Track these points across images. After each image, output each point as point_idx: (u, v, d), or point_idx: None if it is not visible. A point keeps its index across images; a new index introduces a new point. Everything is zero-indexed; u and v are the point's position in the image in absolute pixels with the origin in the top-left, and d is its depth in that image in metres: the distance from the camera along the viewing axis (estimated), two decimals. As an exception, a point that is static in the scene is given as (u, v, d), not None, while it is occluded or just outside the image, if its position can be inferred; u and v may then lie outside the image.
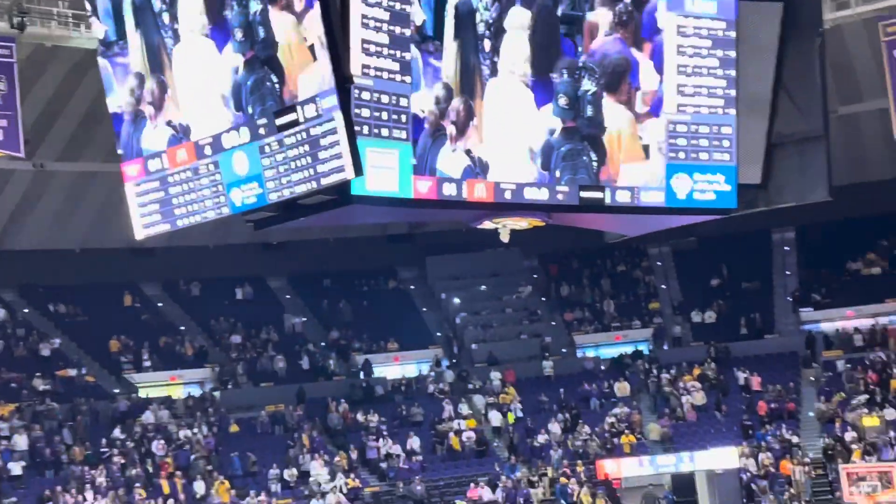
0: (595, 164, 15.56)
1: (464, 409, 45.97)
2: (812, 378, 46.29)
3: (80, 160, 43.70)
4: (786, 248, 54.26)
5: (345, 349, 50.64)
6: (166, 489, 36.58)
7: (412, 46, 13.67)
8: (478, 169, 14.53)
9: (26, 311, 47.96)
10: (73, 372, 44.66)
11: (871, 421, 39.68)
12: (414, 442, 42.77)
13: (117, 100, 15.08)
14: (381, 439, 42.59)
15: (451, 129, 14.24)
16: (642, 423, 44.20)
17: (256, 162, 13.51)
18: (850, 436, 39.66)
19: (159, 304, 51.60)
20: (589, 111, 15.44)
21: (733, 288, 52.76)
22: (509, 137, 14.86)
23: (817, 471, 39.51)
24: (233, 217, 14.35)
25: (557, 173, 15.27)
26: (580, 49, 15.33)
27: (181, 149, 14.41)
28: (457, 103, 14.29)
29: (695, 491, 41.27)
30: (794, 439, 41.11)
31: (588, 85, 15.39)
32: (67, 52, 35.26)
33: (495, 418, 45.56)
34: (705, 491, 40.79)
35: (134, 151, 14.93)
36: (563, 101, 15.17)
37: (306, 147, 12.98)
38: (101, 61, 15.20)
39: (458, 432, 43.92)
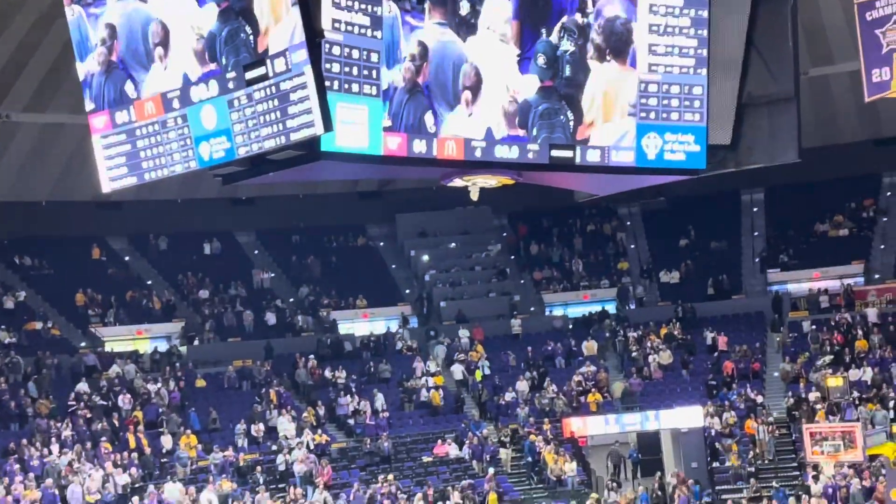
0: (572, 123, 15.52)
1: (432, 366, 46.10)
2: (777, 339, 46.65)
3: (46, 111, 43.23)
4: (754, 209, 54.56)
5: (313, 305, 50.60)
6: (132, 443, 36.50)
7: (390, 2, 13.55)
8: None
9: (-9, 263, 47.62)
10: (38, 325, 44.41)
11: (835, 381, 40.08)
12: (381, 399, 42.82)
13: (87, 50, 14.86)
14: (348, 396, 42.64)
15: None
16: (609, 382, 44.45)
17: (225, 116, 13.37)
18: (813, 396, 40.06)
19: (126, 258, 51.31)
20: (567, 71, 15.37)
21: (701, 248, 53.06)
22: (486, 96, 14.80)
23: (781, 430, 39.92)
24: (201, 171, 14.21)
25: (535, 131, 15.25)
26: (569, 8, 15.23)
27: (149, 101, 14.24)
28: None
29: (660, 449, 41.76)
30: (759, 399, 41.50)
31: (567, 45, 15.32)
32: (33, 3, 34.81)
33: (457, 371, 45.83)
34: (670, 449, 41.29)
35: (105, 103, 14.75)
36: (541, 60, 15.10)
37: (275, 102, 12.84)
38: (72, 10, 14.94)
39: (432, 389, 44.03)
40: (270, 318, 48.98)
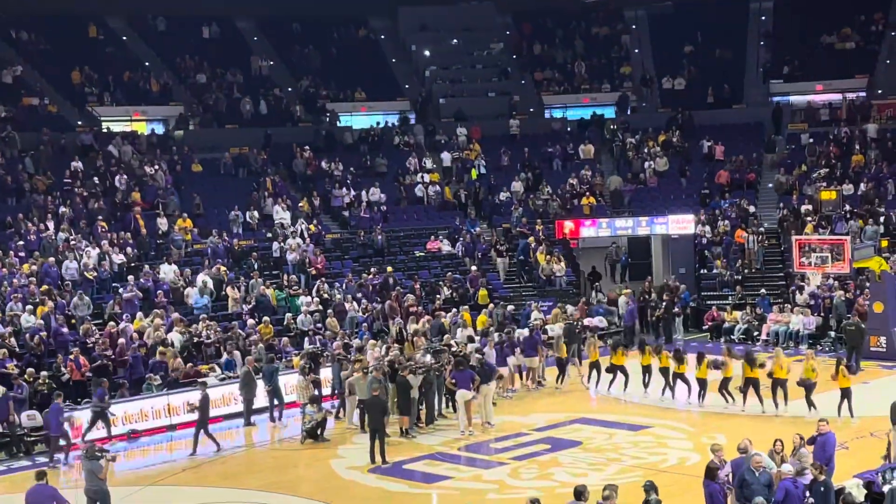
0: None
1: (428, 162, 46.16)
2: (775, 150, 46.63)
3: None
4: (762, 17, 53.65)
5: (312, 96, 50.26)
6: (130, 223, 36.77)
7: None
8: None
9: (-14, 37, 47.00)
10: (35, 101, 44.14)
11: (828, 195, 40.27)
12: (377, 192, 43.03)
13: None
14: (344, 188, 42.82)
15: None
16: (604, 186, 44.61)
17: None
18: (805, 208, 40.30)
19: (124, 38, 50.64)
20: None
21: (706, 55, 52.44)
22: None
23: (770, 240, 40.31)
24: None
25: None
26: None
27: None
28: None
29: (650, 254, 42.28)
30: (751, 209, 41.74)
31: None
32: None
33: (446, 158, 46.23)
34: (660, 254, 41.82)
35: None
36: None
37: None
38: None
39: (431, 184, 44.29)
40: (269, 106, 48.72)
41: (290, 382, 27.15)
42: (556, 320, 32.25)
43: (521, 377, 29.23)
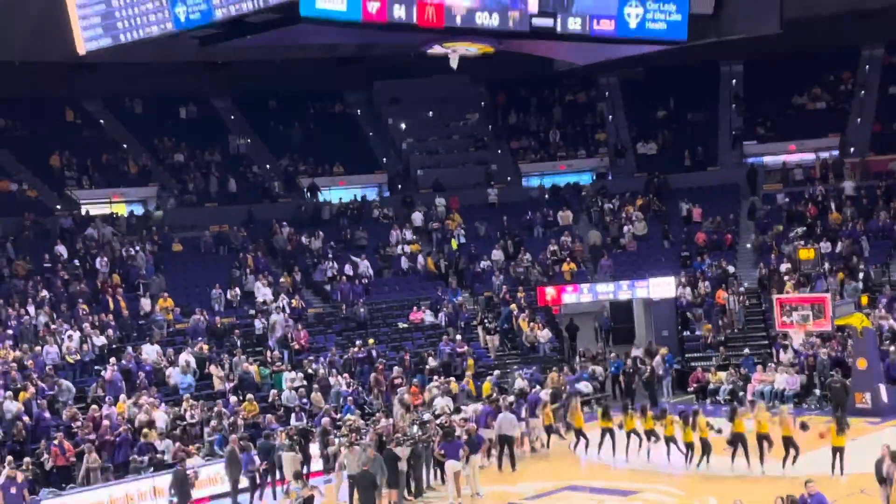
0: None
1: (408, 234, 46.33)
2: (755, 215, 46.97)
3: (18, -31, 42.24)
4: (733, 80, 54.31)
5: (290, 173, 50.48)
6: (111, 305, 36.72)
7: None
8: None
9: (-35, 123, 47.08)
10: (13, 186, 44.18)
11: (806, 253, 40.51)
12: (366, 265, 43.13)
13: None
14: (325, 262, 42.88)
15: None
16: (584, 252, 44.84)
17: (202, -24, 13.20)
18: (785, 267, 40.54)
19: (101, 121, 50.82)
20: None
21: (679, 119, 53.00)
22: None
23: (751, 300, 40.49)
24: (177, 33, 14.08)
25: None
26: None
27: (124, -39, 14.03)
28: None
29: (632, 318, 42.40)
30: (731, 269, 41.97)
31: None
32: None
33: (417, 218, 46.82)
34: (642, 317, 41.94)
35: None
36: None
37: (253, -38, 12.68)
38: None
39: (413, 253, 44.59)
40: (246, 184, 48.94)
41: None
42: (553, 384, 32.58)
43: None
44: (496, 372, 34.87)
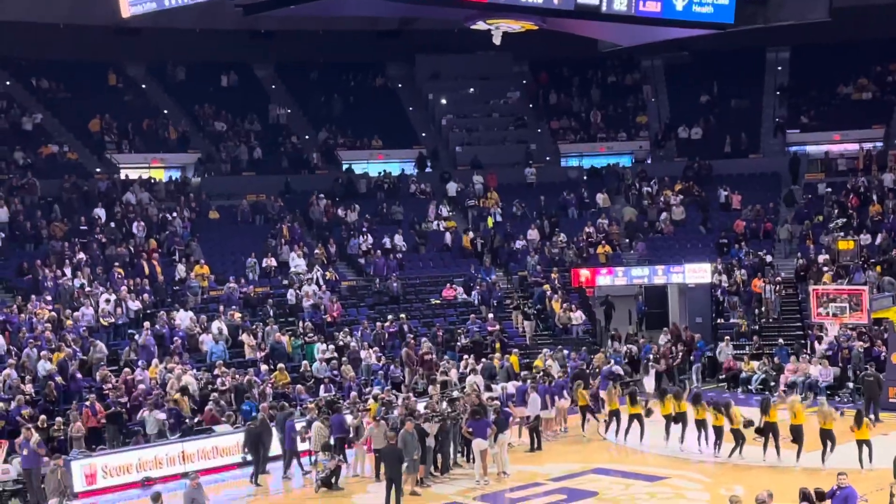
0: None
1: (444, 210, 46.29)
2: (794, 203, 46.57)
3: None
4: (779, 67, 53.80)
5: (330, 145, 50.49)
6: (146, 270, 36.93)
7: None
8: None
9: (8, 83, 47.37)
10: (55, 149, 44.48)
11: (845, 244, 40.13)
12: (394, 240, 43.13)
13: None
14: (360, 235, 42.91)
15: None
16: (620, 236, 44.64)
17: (248, -57, 13.15)
18: (823, 258, 40.16)
19: (143, 86, 51.03)
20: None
21: (722, 105, 52.56)
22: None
23: (787, 290, 40.17)
24: (221, 1, 14.04)
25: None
26: None
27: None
28: None
29: (666, 303, 42.18)
30: (768, 258, 41.65)
31: None
32: None
33: (452, 188, 47.06)
34: (676, 303, 41.72)
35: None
36: None
37: (300, -69, 12.62)
38: None
39: (466, 231, 44.74)
40: (284, 154, 49.03)
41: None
42: (599, 364, 33.22)
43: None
44: (545, 350, 34.84)
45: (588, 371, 32.41)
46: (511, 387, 30.37)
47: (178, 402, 27.79)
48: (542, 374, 30.62)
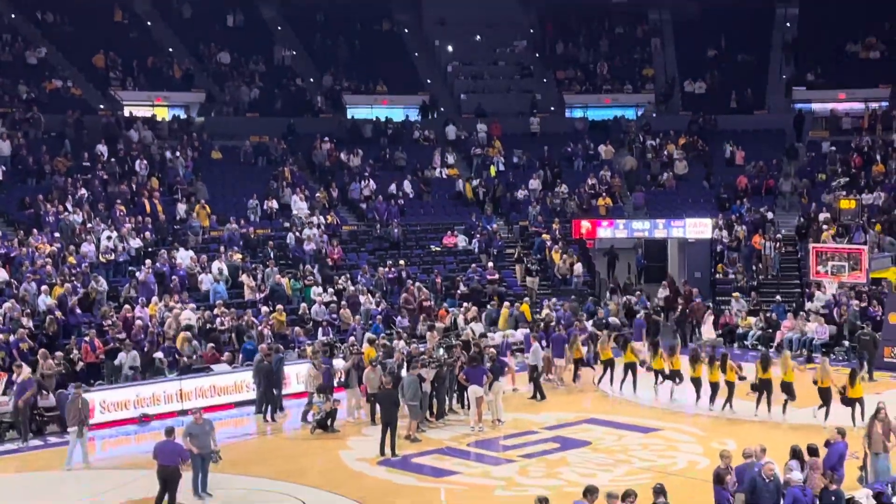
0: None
1: (449, 158, 46.19)
2: (797, 156, 46.49)
3: None
4: (787, 24, 53.46)
5: (336, 91, 50.27)
6: (147, 208, 36.93)
7: None
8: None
9: (13, 16, 47.12)
10: (59, 84, 44.31)
11: (847, 203, 40.09)
12: (402, 186, 43.11)
13: None
14: (363, 180, 42.86)
15: None
16: (622, 188, 44.60)
17: None
18: (824, 216, 40.14)
19: (149, 23, 50.78)
20: None
21: (729, 60, 52.29)
22: None
23: (787, 248, 40.19)
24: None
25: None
26: None
27: None
28: None
29: (666, 257, 42.23)
30: (769, 215, 41.61)
31: None
32: None
33: (451, 132, 47.21)
34: (676, 257, 41.77)
35: None
36: None
37: None
38: None
39: (469, 179, 44.69)
40: (288, 96, 48.84)
41: (301, 372, 27.14)
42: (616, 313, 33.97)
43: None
44: (553, 299, 34.99)
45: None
46: (519, 334, 30.61)
47: (180, 342, 27.90)
48: (544, 324, 30.81)
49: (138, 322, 28.43)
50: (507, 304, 34.22)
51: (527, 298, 35.86)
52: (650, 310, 35.46)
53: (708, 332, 34.19)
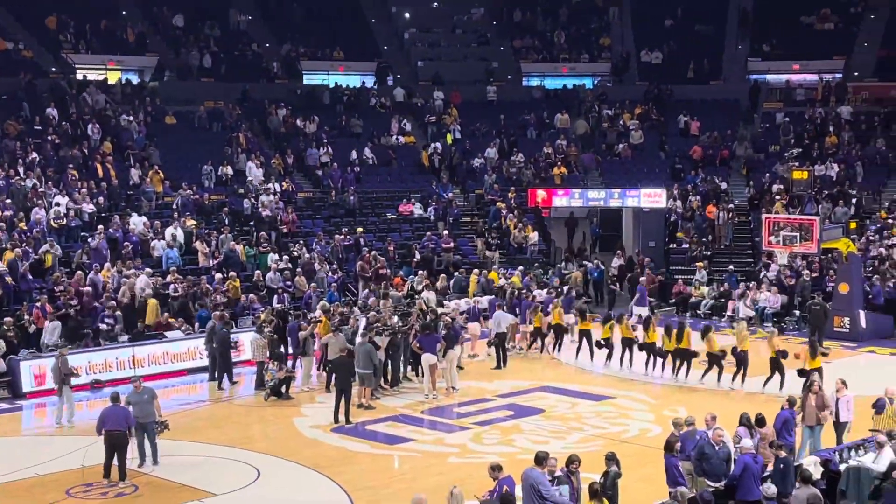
0: None
1: (408, 125, 46.05)
2: (752, 122, 46.84)
3: None
4: (744, -6, 53.67)
5: (292, 57, 49.84)
6: (100, 173, 36.52)
7: None
8: None
9: (-38, -23, 46.30)
10: (9, 45, 43.61)
11: (799, 174, 40.42)
12: (363, 154, 42.96)
13: None
14: (319, 147, 42.62)
15: None
16: (578, 157, 44.69)
17: None
18: (776, 187, 40.46)
19: (101, -16, 50.02)
20: None
21: (686, 30, 52.41)
22: None
23: (740, 217, 40.50)
24: None
25: None
26: None
27: None
28: None
29: (620, 226, 42.43)
30: (723, 185, 41.89)
31: None
32: None
33: (399, 94, 47.35)
34: (630, 227, 41.98)
35: None
36: None
37: None
38: None
39: (426, 147, 44.54)
40: (244, 61, 48.41)
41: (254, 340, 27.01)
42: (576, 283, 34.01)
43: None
44: (520, 267, 35.12)
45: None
46: (485, 301, 30.70)
47: (151, 310, 27.76)
48: (507, 292, 30.97)
49: (87, 288, 28.19)
50: (475, 271, 34.24)
51: (495, 266, 35.88)
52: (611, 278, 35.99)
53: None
